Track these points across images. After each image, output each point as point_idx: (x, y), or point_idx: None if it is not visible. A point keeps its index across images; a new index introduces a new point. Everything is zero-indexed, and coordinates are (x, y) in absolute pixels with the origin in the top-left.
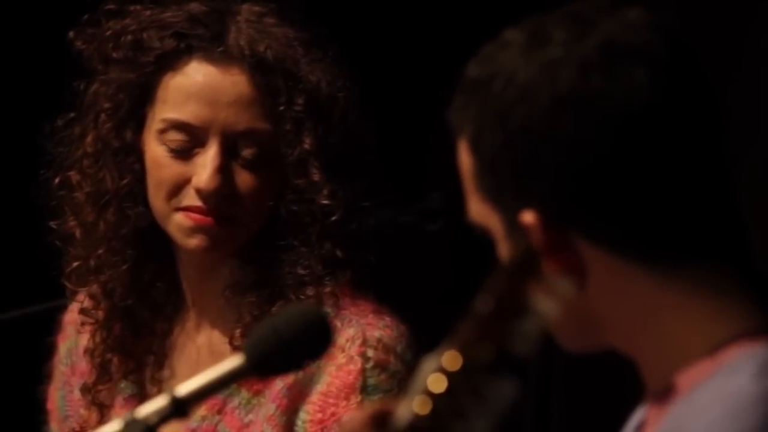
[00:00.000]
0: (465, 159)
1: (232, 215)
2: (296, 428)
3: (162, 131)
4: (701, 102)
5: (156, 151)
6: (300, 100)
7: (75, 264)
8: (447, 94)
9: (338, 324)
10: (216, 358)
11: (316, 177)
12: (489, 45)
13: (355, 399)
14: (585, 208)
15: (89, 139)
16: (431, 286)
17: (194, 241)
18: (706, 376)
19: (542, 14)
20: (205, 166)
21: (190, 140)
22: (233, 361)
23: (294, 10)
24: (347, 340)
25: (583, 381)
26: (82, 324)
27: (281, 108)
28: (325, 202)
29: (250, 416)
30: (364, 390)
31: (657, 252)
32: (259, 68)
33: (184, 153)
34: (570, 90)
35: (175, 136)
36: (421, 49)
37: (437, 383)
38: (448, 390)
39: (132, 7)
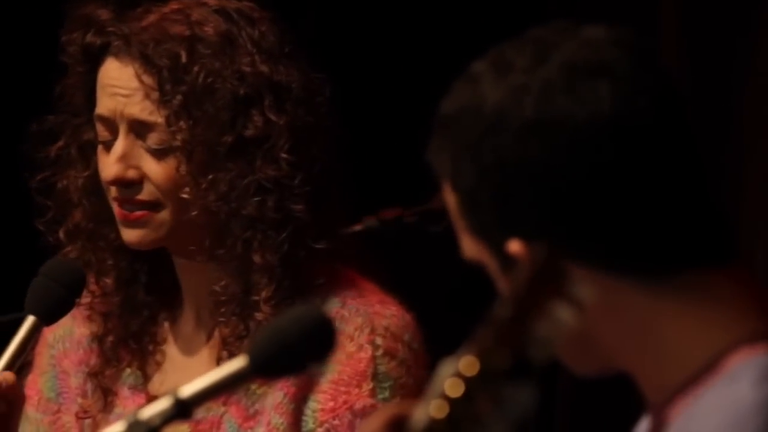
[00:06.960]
0: (450, 198)
1: (151, 202)
2: (305, 417)
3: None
4: (667, 109)
5: (99, 147)
6: (179, 95)
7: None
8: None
9: (345, 314)
10: (214, 353)
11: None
12: (457, 80)
13: (367, 386)
14: (567, 229)
15: (63, 137)
16: (434, 288)
17: (127, 236)
18: (706, 386)
19: (505, 42)
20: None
21: (110, 133)
22: (237, 363)
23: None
24: (356, 329)
25: (586, 393)
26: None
27: (165, 100)
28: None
29: (256, 406)
30: (375, 377)
31: (645, 265)
32: (147, 63)
33: (110, 147)
34: (536, 114)
35: (101, 130)
36: (423, 50)
37: (454, 388)
38: (465, 395)
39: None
